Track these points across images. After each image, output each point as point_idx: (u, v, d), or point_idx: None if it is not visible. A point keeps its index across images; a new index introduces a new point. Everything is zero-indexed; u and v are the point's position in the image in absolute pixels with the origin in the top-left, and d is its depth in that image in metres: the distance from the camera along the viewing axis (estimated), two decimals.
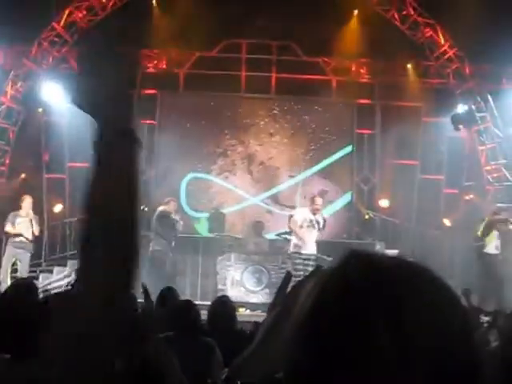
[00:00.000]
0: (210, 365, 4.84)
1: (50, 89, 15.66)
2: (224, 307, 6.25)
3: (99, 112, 1.29)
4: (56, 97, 15.60)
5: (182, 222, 13.53)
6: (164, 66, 17.32)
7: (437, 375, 0.83)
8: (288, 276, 1.66)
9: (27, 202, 13.33)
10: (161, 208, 13.47)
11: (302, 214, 12.61)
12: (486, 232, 13.41)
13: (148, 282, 7.39)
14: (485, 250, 13.43)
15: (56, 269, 14.54)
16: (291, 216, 12.87)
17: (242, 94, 17.31)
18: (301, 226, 12.34)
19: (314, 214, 12.37)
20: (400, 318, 0.83)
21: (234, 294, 12.50)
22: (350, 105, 17.57)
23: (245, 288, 13.46)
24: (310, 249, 12.23)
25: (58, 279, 13.88)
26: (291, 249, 12.35)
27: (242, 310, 12.13)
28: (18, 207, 13.35)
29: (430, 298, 0.87)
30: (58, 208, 16.31)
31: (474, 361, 0.87)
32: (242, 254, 13.89)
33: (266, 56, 17.27)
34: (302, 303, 0.93)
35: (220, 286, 13.43)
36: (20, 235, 13.15)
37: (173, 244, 13.42)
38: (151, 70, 17.10)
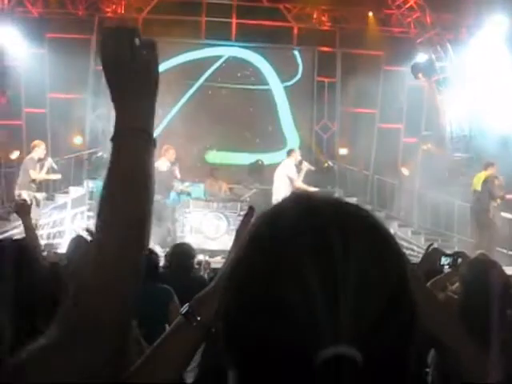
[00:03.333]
0: (168, 311, 4.89)
1: (7, 33, 15.27)
2: (183, 254, 6.28)
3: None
4: (13, 41, 15.26)
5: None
6: (122, 11, 16.91)
7: (365, 323, 0.78)
8: (250, 212, 1.48)
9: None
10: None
11: (291, 167, 12.83)
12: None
13: None
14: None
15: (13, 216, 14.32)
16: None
17: (202, 41, 17.06)
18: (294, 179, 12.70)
19: (300, 164, 12.78)
20: (331, 263, 0.78)
21: (193, 240, 12.53)
22: (311, 52, 17.48)
23: (204, 235, 13.49)
24: None
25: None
26: None
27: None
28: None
29: (365, 243, 0.82)
30: (15, 155, 15.90)
31: (409, 309, 0.82)
32: (201, 201, 13.87)
33: (226, 1, 16.98)
34: (237, 248, 0.89)
35: (179, 233, 13.42)
36: None
37: None
38: (110, 14, 16.71)
